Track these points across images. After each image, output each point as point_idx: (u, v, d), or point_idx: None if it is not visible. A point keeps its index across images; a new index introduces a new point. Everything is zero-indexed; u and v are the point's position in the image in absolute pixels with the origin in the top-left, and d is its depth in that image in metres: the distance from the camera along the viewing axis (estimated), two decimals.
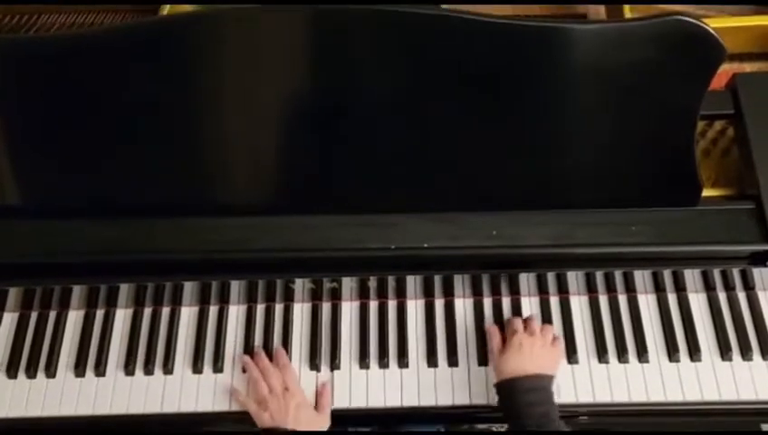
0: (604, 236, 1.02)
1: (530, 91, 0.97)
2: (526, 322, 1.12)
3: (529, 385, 1.01)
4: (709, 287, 1.17)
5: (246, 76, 0.98)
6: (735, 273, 1.13)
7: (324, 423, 1.08)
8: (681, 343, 1.14)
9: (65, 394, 1.13)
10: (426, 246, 1.02)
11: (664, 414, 1.12)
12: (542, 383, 1.02)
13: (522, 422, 0.98)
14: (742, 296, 1.17)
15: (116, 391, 1.13)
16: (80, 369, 1.14)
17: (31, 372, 1.14)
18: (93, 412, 1.12)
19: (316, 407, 1.10)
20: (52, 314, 1.19)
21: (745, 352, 1.12)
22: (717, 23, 1.13)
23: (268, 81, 0.99)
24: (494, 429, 1.27)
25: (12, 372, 1.14)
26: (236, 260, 1.04)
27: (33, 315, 1.19)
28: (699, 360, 1.12)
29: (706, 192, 1.07)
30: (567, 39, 0.92)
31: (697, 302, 1.17)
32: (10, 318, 1.19)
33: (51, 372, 1.14)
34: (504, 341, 1.10)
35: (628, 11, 1.19)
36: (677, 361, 1.12)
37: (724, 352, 1.12)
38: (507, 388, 1.02)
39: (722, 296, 1.17)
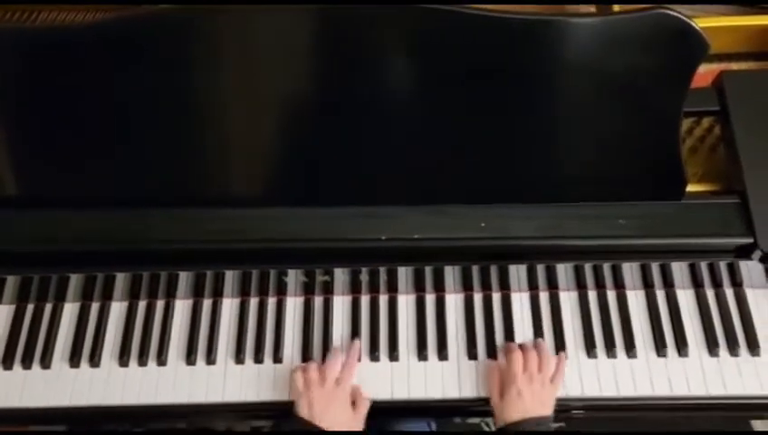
0: (592, 228, 1.04)
1: (517, 86, 0.99)
2: (525, 357, 1.09)
3: (530, 426, 1.02)
4: (697, 284, 1.18)
5: (246, 69, 1.00)
6: (723, 269, 1.14)
7: (359, 424, 1.07)
8: (669, 339, 1.15)
9: (60, 385, 1.14)
10: (416, 237, 1.03)
11: (652, 408, 1.12)
12: (544, 424, 1.03)
13: None
14: (729, 293, 1.18)
15: (110, 382, 1.14)
16: (75, 360, 1.15)
17: (27, 364, 1.15)
18: (87, 403, 1.12)
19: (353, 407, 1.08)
20: (48, 307, 1.20)
21: (732, 348, 1.13)
22: (705, 22, 1.15)
23: (266, 75, 1.01)
24: (484, 425, 1.29)
25: (8, 363, 1.15)
26: (229, 250, 1.06)
27: (30, 308, 1.20)
28: (687, 355, 1.13)
29: (693, 187, 1.09)
30: (551, 33, 0.94)
31: (685, 298, 1.18)
32: (6, 310, 1.20)
33: (46, 362, 1.15)
34: (503, 381, 1.08)
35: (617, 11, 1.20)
36: (665, 356, 1.13)
37: (712, 347, 1.13)
38: (507, 432, 1.03)
39: (710, 293, 1.18)
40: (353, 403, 1.08)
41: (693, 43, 0.93)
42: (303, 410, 1.04)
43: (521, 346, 1.12)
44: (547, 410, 1.05)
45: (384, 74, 1.00)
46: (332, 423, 1.02)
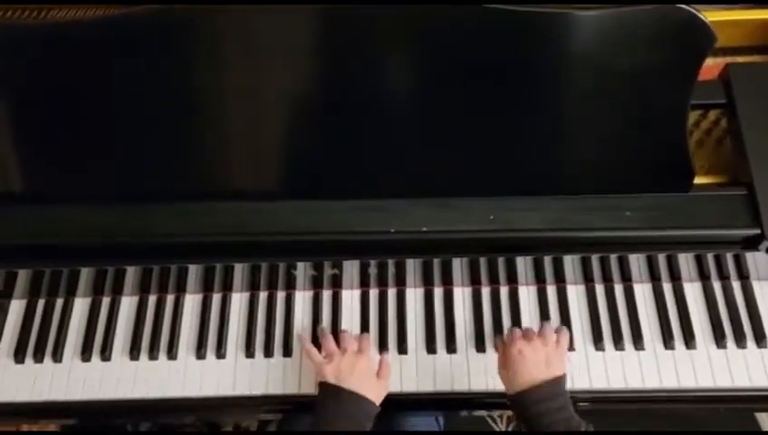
0: (599, 220, 1.04)
1: (526, 79, 1.00)
2: (525, 331, 1.05)
3: (543, 395, 0.95)
4: (704, 277, 1.19)
5: (254, 66, 1.01)
6: (730, 262, 1.15)
7: (383, 392, 1.05)
8: (676, 331, 1.15)
9: (71, 379, 1.15)
10: (425, 229, 1.04)
11: (660, 401, 1.13)
12: (555, 389, 0.97)
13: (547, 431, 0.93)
14: (736, 285, 1.19)
15: (121, 376, 1.15)
16: (86, 354, 1.16)
17: (38, 358, 1.16)
18: (98, 397, 1.13)
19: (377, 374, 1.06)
20: (59, 302, 1.21)
21: (740, 340, 1.14)
22: (711, 16, 1.14)
23: (273, 71, 1.02)
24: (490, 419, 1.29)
25: (19, 357, 1.16)
26: (239, 243, 1.07)
27: (41, 303, 1.21)
28: (694, 347, 1.14)
29: (700, 180, 1.09)
30: (558, 26, 0.95)
31: (692, 291, 1.19)
32: (18, 305, 1.21)
33: (57, 357, 1.16)
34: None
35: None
36: (673, 348, 1.14)
37: (719, 339, 1.14)
38: (520, 401, 0.97)
39: (716, 285, 1.19)
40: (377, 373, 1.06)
41: (700, 36, 0.93)
42: (330, 377, 1.01)
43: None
44: (554, 369, 0.99)
45: (392, 69, 1.01)
46: (360, 385, 1.00)
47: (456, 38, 0.96)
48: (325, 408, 1.00)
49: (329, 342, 1.08)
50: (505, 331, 1.14)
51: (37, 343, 1.17)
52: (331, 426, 0.97)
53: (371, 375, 1.05)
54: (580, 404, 1.13)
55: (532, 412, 0.95)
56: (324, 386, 1.02)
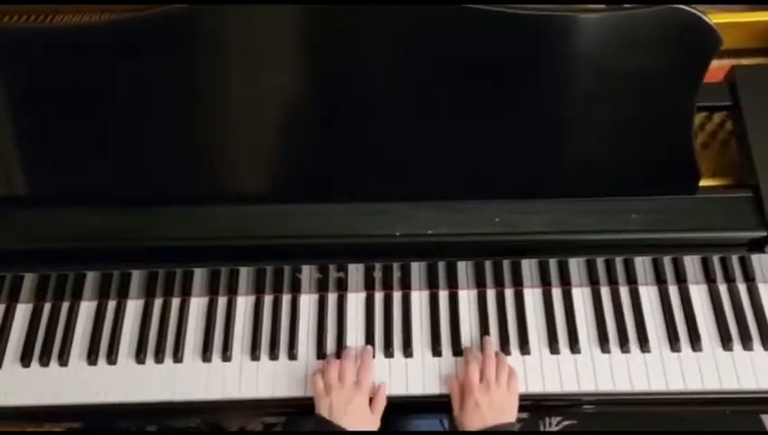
0: (605, 223, 1.04)
1: (532, 81, 0.99)
2: (483, 364, 1.10)
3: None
4: (710, 279, 1.18)
5: (260, 67, 1.01)
6: (736, 264, 1.15)
7: (374, 425, 1.09)
8: (682, 333, 1.15)
9: (77, 382, 1.15)
10: (430, 232, 1.04)
11: (666, 403, 1.13)
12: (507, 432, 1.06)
13: None
14: (742, 288, 1.18)
15: (127, 379, 1.15)
16: (92, 358, 1.16)
17: (44, 361, 1.16)
18: (104, 400, 1.13)
19: (370, 406, 1.10)
20: (65, 306, 1.21)
21: (746, 342, 1.13)
22: (716, 18, 1.15)
23: (279, 73, 1.02)
24: None
25: (26, 360, 1.16)
26: (244, 246, 1.07)
27: (47, 307, 1.21)
28: (700, 350, 1.14)
29: (705, 182, 1.09)
30: (565, 28, 0.95)
31: (698, 293, 1.19)
32: (24, 309, 1.21)
33: (63, 360, 1.16)
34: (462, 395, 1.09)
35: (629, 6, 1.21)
36: (679, 350, 1.14)
37: (725, 342, 1.14)
38: None
39: (722, 288, 1.19)
40: (371, 400, 1.10)
41: (705, 38, 0.93)
42: (324, 411, 1.06)
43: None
44: (507, 416, 1.06)
45: (394, 71, 1.00)
46: (351, 423, 1.05)
47: (463, 40, 0.96)
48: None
49: (330, 372, 1.10)
50: (460, 371, 1.14)
51: (43, 347, 1.18)
52: None
53: (364, 412, 1.08)
54: (586, 407, 1.14)
55: None
56: (318, 418, 1.06)
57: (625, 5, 1.09)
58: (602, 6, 1.26)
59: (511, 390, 1.09)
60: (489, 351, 1.13)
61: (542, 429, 1.51)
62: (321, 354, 1.16)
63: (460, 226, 1.04)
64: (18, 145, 1.07)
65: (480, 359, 1.12)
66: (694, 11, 0.91)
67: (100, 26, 1.03)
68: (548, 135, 1.04)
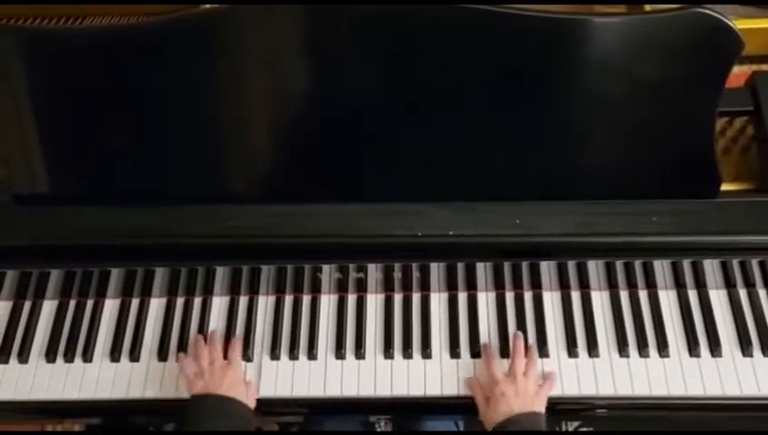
0: (625, 225, 1.05)
1: (553, 83, 1.00)
2: (512, 357, 1.11)
3: (519, 425, 1.01)
4: (730, 284, 1.18)
5: (281, 68, 1.03)
6: (756, 269, 1.14)
7: (251, 401, 1.11)
8: (702, 338, 1.15)
9: (100, 378, 1.17)
10: (451, 233, 1.05)
11: (684, 408, 1.13)
12: (533, 420, 1.02)
13: None
14: (762, 293, 1.18)
15: (149, 376, 1.16)
16: (115, 355, 1.18)
17: (69, 357, 1.18)
18: (127, 396, 1.15)
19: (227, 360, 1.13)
20: (90, 303, 1.23)
21: (766, 348, 1.13)
22: (738, 24, 1.15)
23: (302, 74, 1.04)
24: None
25: (51, 356, 1.18)
26: (266, 245, 1.08)
27: (72, 304, 1.23)
28: (720, 355, 1.14)
29: (726, 186, 1.09)
30: (588, 31, 0.96)
31: (718, 298, 1.19)
32: (50, 306, 1.23)
33: (88, 357, 1.18)
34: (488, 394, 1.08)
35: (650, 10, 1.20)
36: (698, 355, 1.14)
37: (745, 347, 1.13)
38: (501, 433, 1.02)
39: (742, 293, 1.18)
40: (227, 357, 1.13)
41: (728, 42, 0.94)
42: (198, 388, 1.08)
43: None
44: (536, 405, 1.04)
45: (420, 72, 1.01)
46: (230, 390, 1.07)
47: (487, 42, 0.97)
48: (194, 412, 1.06)
49: (200, 359, 1.12)
50: (479, 372, 1.14)
51: (68, 344, 1.19)
52: (200, 426, 1.03)
53: (239, 383, 1.10)
54: (604, 411, 1.13)
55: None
56: (192, 397, 1.08)
57: (646, 8, 1.10)
58: (622, 8, 1.28)
59: (542, 388, 1.08)
60: (519, 346, 1.13)
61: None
62: (340, 355, 1.16)
63: (481, 227, 1.05)
64: (47, 144, 1.09)
65: (497, 359, 1.12)
66: (716, 14, 0.91)
67: (125, 29, 1.06)
68: (569, 137, 1.04)
